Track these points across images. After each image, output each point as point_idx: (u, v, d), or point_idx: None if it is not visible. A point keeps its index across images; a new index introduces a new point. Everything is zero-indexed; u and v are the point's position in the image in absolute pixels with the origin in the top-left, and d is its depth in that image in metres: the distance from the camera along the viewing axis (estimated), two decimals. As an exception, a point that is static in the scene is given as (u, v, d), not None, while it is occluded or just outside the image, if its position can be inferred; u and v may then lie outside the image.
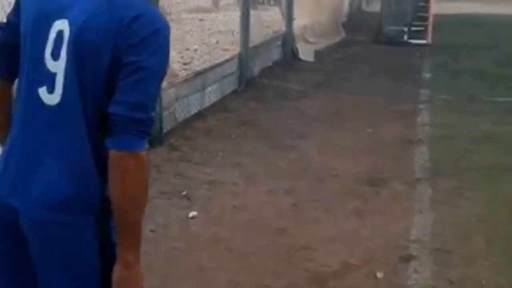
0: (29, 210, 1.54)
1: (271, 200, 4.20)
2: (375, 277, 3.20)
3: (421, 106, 7.04)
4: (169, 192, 4.27)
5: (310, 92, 7.70)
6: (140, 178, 1.49)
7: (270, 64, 9.09)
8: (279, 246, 3.53)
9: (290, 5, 9.74)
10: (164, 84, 5.58)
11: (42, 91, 1.52)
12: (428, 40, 12.18)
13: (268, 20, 9.61)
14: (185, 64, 7.14)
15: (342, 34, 12.95)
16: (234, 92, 7.23)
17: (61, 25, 1.50)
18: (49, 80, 1.51)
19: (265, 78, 8.13)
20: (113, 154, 1.46)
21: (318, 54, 10.37)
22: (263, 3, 10.58)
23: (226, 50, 8.07)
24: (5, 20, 1.68)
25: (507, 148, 5.35)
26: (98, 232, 1.55)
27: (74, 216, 1.53)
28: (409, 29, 12.37)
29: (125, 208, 1.50)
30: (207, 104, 6.43)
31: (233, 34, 8.23)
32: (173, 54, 7.36)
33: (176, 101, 5.72)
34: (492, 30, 14.31)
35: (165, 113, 5.46)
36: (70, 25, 1.49)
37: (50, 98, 1.52)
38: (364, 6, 19.59)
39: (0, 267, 1.65)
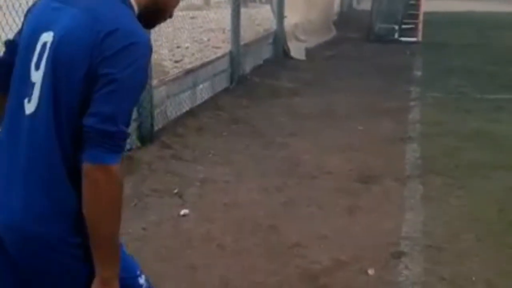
0: (10, 224, 1.54)
1: (263, 198, 4.21)
2: (366, 273, 3.21)
3: (411, 103, 7.07)
4: (160, 190, 4.27)
5: (302, 90, 7.71)
6: (111, 191, 1.47)
7: (261, 62, 9.09)
8: (270, 243, 3.54)
9: (281, 3, 9.74)
10: (155, 82, 5.58)
11: (26, 101, 1.54)
12: (419, 38, 12.23)
13: (259, 18, 9.62)
14: (176, 62, 7.14)
15: (333, 32, 12.97)
16: (226, 90, 7.23)
17: (47, 37, 1.53)
18: (30, 90, 1.53)
19: (256, 76, 8.14)
20: (84, 166, 1.45)
21: (309, 52, 10.39)
22: (254, 1, 10.58)
23: (217, 47, 8.07)
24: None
25: (497, 146, 5.38)
26: (81, 241, 1.54)
27: (52, 228, 1.52)
28: (399, 27, 12.41)
29: (96, 222, 1.48)
30: (198, 101, 6.44)
31: (224, 32, 8.23)
32: (164, 52, 7.36)
33: (167, 99, 5.72)
34: (482, 28, 14.38)
35: (156, 111, 5.45)
36: (54, 36, 1.52)
37: (29, 107, 1.53)
38: (355, 4, 19.62)
39: None
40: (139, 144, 5.26)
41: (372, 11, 12.91)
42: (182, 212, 3.93)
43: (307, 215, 3.96)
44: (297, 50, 10.13)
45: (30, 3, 1.76)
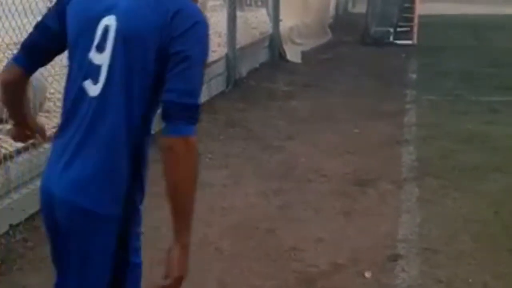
0: (60, 194, 1.66)
1: (260, 201, 4.21)
2: (363, 276, 3.22)
3: (407, 106, 7.08)
4: (157, 193, 4.24)
5: (298, 93, 7.72)
6: (192, 161, 1.59)
7: (257, 65, 9.10)
8: (267, 247, 3.54)
9: (277, 6, 9.76)
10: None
11: (87, 83, 1.63)
12: (414, 40, 12.25)
13: (255, 22, 9.63)
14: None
15: (329, 35, 12.99)
16: (222, 93, 7.24)
17: (108, 20, 1.61)
18: (94, 72, 1.62)
19: (252, 79, 8.15)
20: (165, 140, 1.58)
21: (305, 55, 10.40)
22: (250, 4, 10.59)
23: (213, 51, 8.07)
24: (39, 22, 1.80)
25: (492, 148, 5.40)
26: (117, 233, 1.66)
27: (98, 207, 1.63)
28: (395, 30, 12.43)
29: (179, 190, 1.60)
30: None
31: (220, 36, 8.24)
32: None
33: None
34: (477, 30, 14.42)
35: (152, 115, 5.45)
36: (117, 20, 1.60)
37: (94, 89, 1.62)
38: (350, 8, 19.65)
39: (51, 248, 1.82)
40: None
41: (367, 14, 12.93)
42: (179, 216, 3.93)
43: (304, 219, 3.96)
44: (293, 53, 10.15)
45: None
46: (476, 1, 21.10)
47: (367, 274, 3.23)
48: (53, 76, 5.51)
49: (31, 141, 2.15)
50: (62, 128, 1.72)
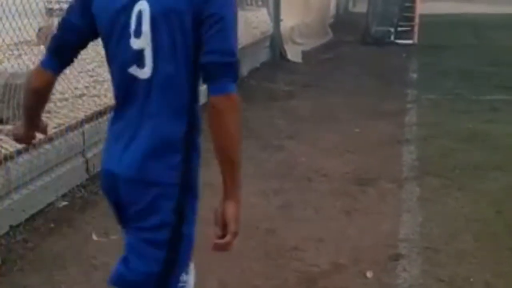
0: (123, 173, 1.75)
1: (260, 201, 4.20)
2: (365, 276, 3.21)
3: (408, 106, 7.08)
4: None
5: (298, 92, 7.72)
6: (236, 117, 1.66)
7: (258, 65, 9.10)
8: (268, 246, 3.54)
9: (278, 6, 9.76)
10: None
11: (134, 69, 1.70)
12: (415, 40, 12.25)
13: (255, 21, 9.62)
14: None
15: (330, 35, 12.99)
16: (222, 93, 7.22)
17: (140, 6, 1.66)
18: (137, 57, 1.68)
19: (253, 79, 8.14)
20: (212, 99, 1.65)
21: (305, 55, 10.40)
22: (250, 4, 10.58)
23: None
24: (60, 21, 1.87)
25: (493, 146, 5.39)
26: (175, 203, 1.77)
27: (158, 177, 1.73)
28: (395, 30, 12.44)
29: (228, 146, 1.68)
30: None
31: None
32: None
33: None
34: (477, 29, 14.43)
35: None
36: (149, 3, 1.65)
37: (142, 72, 1.69)
38: (350, 7, 19.66)
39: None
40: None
41: (368, 14, 12.93)
42: (180, 216, 3.93)
43: (304, 218, 3.96)
44: (293, 53, 10.15)
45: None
46: (476, 0, 21.09)
47: (368, 274, 3.23)
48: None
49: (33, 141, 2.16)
50: (117, 113, 1.81)
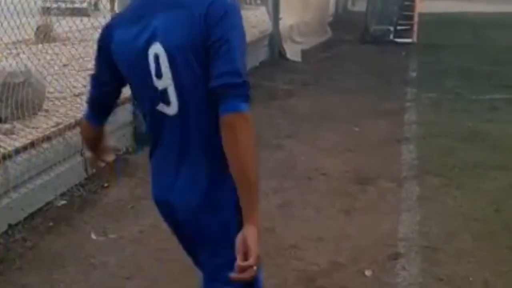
0: (179, 205, 1.83)
1: (260, 200, 4.19)
2: (364, 275, 3.21)
3: (407, 104, 7.08)
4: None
5: (298, 91, 7.71)
6: (250, 135, 1.67)
7: (257, 64, 9.10)
8: (267, 245, 3.53)
9: (277, 5, 9.75)
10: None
11: (161, 106, 1.77)
12: (414, 38, 12.25)
13: (254, 20, 9.61)
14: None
15: (329, 34, 12.99)
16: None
17: (155, 49, 1.71)
18: (162, 96, 1.75)
19: (252, 78, 8.11)
20: (223, 118, 1.64)
21: (305, 53, 10.39)
22: (249, 3, 10.57)
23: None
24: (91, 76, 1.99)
25: (492, 146, 5.39)
26: (236, 208, 1.73)
27: (214, 205, 1.79)
28: (395, 28, 12.43)
29: (243, 166, 1.65)
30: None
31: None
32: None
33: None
34: (476, 28, 14.42)
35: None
36: (163, 45, 1.70)
37: (170, 109, 1.75)
38: (350, 6, 19.65)
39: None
40: (135, 147, 5.25)
41: (367, 13, 12.93)
42: (179, 215, 3.92)
43: (303, 217, 3.96)
44: (293, 52, 10.14)
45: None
46: (476, -1, 21.05)
47: (368, 273, 3.23)
48: (52, 75, 5.50)
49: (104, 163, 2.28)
50: (155, 146, 1.88)
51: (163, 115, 1.78)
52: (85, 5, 11.70)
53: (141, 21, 1.75)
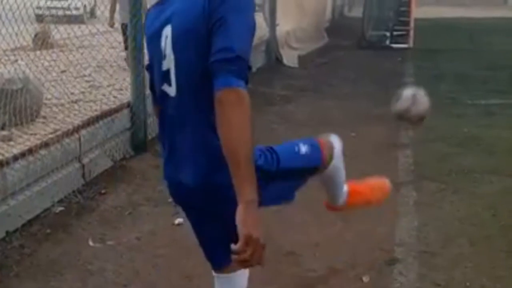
0: (186, 183, 1.87)
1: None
2: (361, 280, 3.22)
3: (404, 110, 7.08)
4: (154, 199, 4.27)
5: (295, 97, 7.73)
6: (243, 111, 1.63)
7: (254, 69, 9.10)
8: (265, 252, 3.53)
9: (273, 11, 9.78)
10: (148, 91, 5.58)
11: (165, 87, 1.86)
12: (410, 44, 12.31)
13: (251, 26, 9.63)
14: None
15: (325, 39, 13.03)
16: (219, 98, 7.23)
17: (166, 31, 1.82)
18: (166, 76, 1.84)
19: (249, 84, 8.13)
20: (216, 93, 1.63)
21: (301, 59, 10.42)
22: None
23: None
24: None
25: (489, 150, 5.41)
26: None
27: (216, 179, 1.80)
28: (391, 34, 12.49)
29: (234, 143, 1.60)
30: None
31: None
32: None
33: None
34: (472, 34, 14.48)
35: (149, 120, 5.45)
36: (172, 27, 1.80)
37: (171, 90, 1.83)
38: (346, 12, 19.71)
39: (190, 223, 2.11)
40: (132, 153, 5.26)
41: (364, 18, 12.98)
42: (177, 221, 3.93)
43: (300, 223, 3.96)
44: (289, 58, 10.17)
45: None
46: (471, 4, 21.14)
47: (365, 278, 3.23)
48: (49, 81, 5.52)
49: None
50: (161, 127, 1.96)
51: (166, 95, 1.86)
52: (79, 12, 11.67)
53: (165, 3, 1.87)
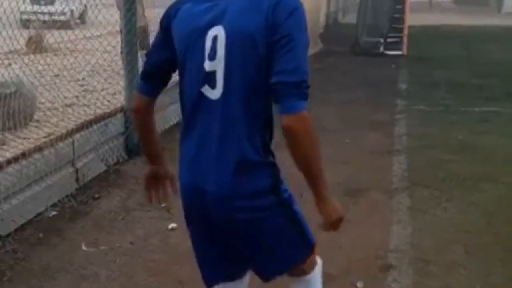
0: (213, 191, 1.84)
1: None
2: (356, 287, 3.21)
3: (398, 116, 7.11)
4: (148, 204, 4.24)
5: (288, 103, 7.71)
6: (310, 135, 1.75)
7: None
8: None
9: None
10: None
11: (206, 89, 1.80)
12: (404, 51, 12.34)
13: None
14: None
15: (319, 46, 13.05)
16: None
17: (216, 31, 1.77)
18: (210, 78, 1.78)
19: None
20: (283, 119, 1.71)
21: (295, 65, 10.40)
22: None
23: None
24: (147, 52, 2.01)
25: (482, 158, 5.42)
26: (271, 197, 1.93)
27: (251, 189, 1.85)
28: (385, 41, 12.52)
29: (306, 163, 1.80)
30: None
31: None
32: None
33: (155, 112, 5.70)
34: (466, 41, 14.55)
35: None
36: (224, 28, 1.75)
37: (214, 93, 1.78)
38: (340, 18, 19.77)
39: (194, 239, 2.07)
40: (126, 158, 5.24)
41: (358, 25, 13.01)
42: (170, 226, 3.92)
43: (295, 229, 3.94)
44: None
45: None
46: (465, 12, 21.25)
47: (359, 285, 3.23)
48: (43, 85, 5.50)
49: (163, 204, 2.26)
50: (187, 130, 1.89)
51: (205, 98, 1.80)
52: (66, 17, 11.51)
53: (210, 1, 1.81)
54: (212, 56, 1.76)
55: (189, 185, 1.92)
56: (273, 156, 1.93)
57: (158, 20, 1.98)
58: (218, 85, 1.77)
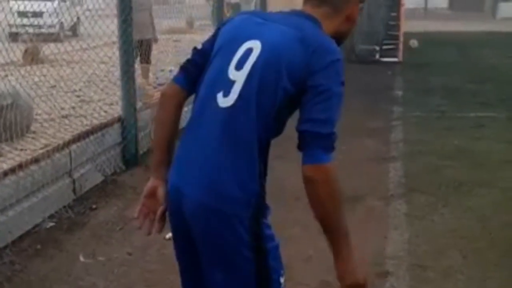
0: (194, 196, 1.75)
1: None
2: (353, 294, 3.21)
3: (394, 123, 7.13)
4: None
5: (285, 111, 7.73)
6: (331, 187, 1.70)
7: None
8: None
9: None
10: (139, 105, 5.58)
11: (219, 95, 1.76)
12: (399, 58, 12.38)
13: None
14: (160, 85, 7.15)
15: (315, 53, 13.07)
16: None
17: (252, 44, 1.75)
18: (227, 86, 1.75)
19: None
20: (305, 168, 1.69)
21: (291, 73, 10.43)
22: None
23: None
24: (195, 46, 1.95)
25: (478, 163, 5.44)
26: (250, 226, 1.77)
27: (229, 206, 1.74)
28: (380, 48, 12.56)
29: (325, 217, 1.73)
30: (183, 124, 6.42)
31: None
32: (149, 75, 7.35)
33: (152, 122, 5.72)
34: (461, 47, 14.60)
35: (140, 135, 5.45)
36: (262, 44, 1.74)
37: (224, 101, 1.74)
38: (336, 25, 19.78)
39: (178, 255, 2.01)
40: (123, 168, 5.25)
41: (353, 32, 13.03)
42: (168, 236, 3.91)
43: (292, 236, 3.95)
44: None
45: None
46: (460, 18, 21.34)
47: (357, 291, 3.22)
48: (40, 97, 5.51)
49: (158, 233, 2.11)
50: (189, 131, 1.85)
51: (214, 102, 1.76)
52: (55, 30, 11.40)
53: (258, 18, 1.82)
54: (239, 67, 1.74)
55: (173, 185, 1.84)
56: (263, 186, 1.89)
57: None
58: (231, 96, 1.74)
